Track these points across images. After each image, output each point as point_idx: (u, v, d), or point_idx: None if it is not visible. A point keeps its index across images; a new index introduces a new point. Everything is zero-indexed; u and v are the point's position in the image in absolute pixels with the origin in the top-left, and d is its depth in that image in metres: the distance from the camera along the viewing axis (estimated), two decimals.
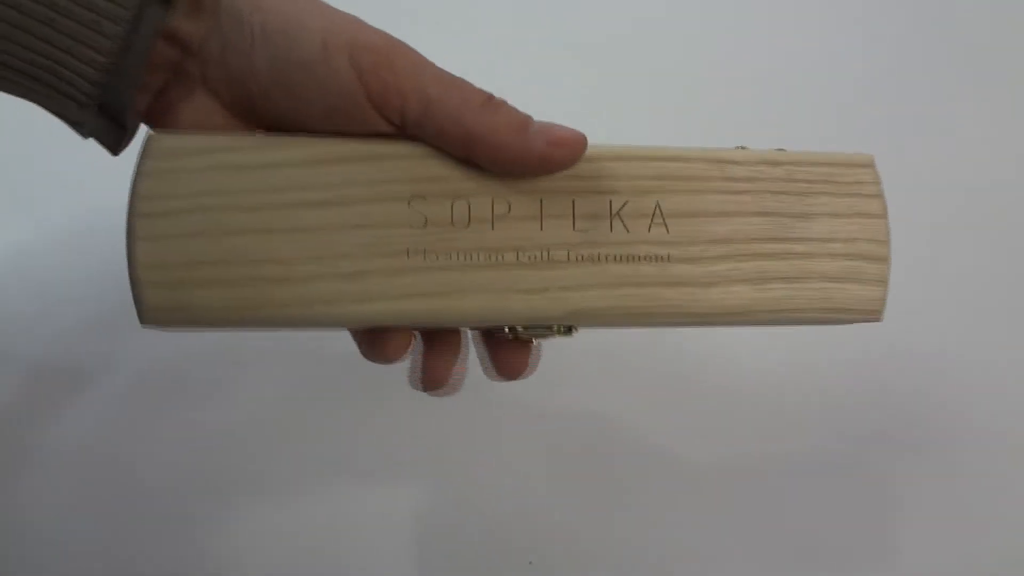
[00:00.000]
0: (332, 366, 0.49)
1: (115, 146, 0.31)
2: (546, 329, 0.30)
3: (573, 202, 0.29)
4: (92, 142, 0.30)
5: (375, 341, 0.32)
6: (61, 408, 0.49)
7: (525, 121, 0.28)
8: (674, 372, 0.51)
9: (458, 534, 0.47)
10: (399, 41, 0.29)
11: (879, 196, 0.31)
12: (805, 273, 0.30)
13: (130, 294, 0.27)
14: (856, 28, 0.61)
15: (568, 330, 0.30)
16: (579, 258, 0.29)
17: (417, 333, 0.33)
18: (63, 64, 0.27)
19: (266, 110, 0.30)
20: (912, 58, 0.60)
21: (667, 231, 0.29)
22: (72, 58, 0.27)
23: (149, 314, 0.27)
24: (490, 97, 0.29)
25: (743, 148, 0.31)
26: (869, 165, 0.31)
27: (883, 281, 0.30)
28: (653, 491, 0.48)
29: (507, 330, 0.31)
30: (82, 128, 0.29)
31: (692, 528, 0.47)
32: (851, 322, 0.30)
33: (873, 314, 0.30)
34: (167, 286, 0.27)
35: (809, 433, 0.50)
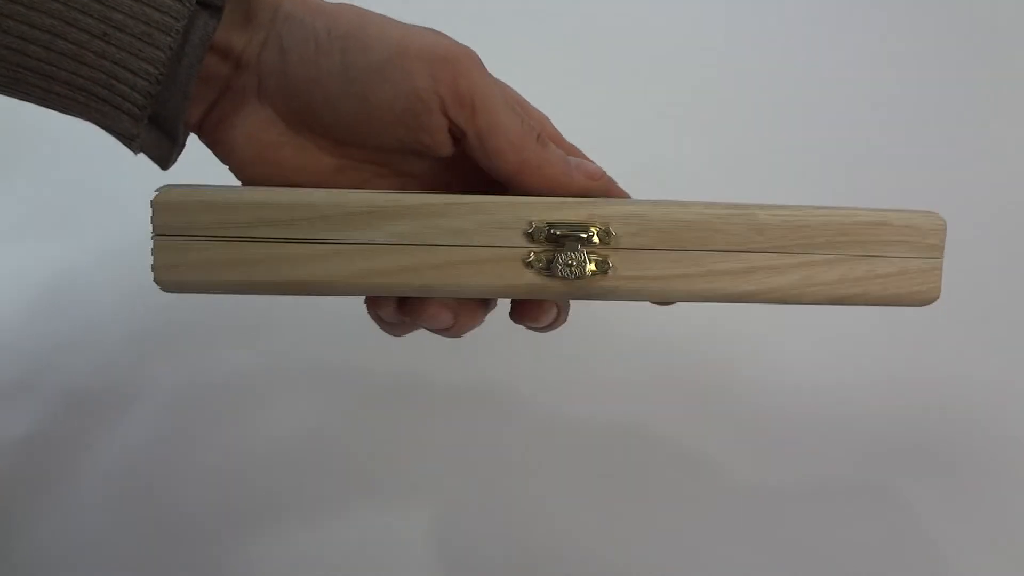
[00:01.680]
0: (358, 388, 0.50)
1: (165, 160, 0.31)
2: (579, 233, 0.29)
3: None
4: (134, 165, 0.30)
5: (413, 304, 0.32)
6: (96, 430, 0.49)
7: (564, 156, 0.31)
8: (704, 387, 0.51)
9: (480, 553, 0.47)
10: (473, 52, 0.30)
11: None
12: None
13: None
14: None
15: (606, 235, 0.30)
16: None
17: None
18: (117, 78, 0.28)
19: (329, 119, 0.30)
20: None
21: None
22: (126, 71, 0.28)
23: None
24: (540, 132, 0.31)
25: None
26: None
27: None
28: (680, 509, 0.48)
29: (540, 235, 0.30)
30: (133, 142, 0.29)
31: (720, 548, 0.47)
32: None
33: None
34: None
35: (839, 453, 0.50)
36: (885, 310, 0.32)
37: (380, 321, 0.33)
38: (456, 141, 0.31)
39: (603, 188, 0.31)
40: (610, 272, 0.30)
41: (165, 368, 0.50)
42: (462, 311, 0.32)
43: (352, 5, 0.30)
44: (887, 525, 0.48)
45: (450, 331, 0.32)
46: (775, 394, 0.51)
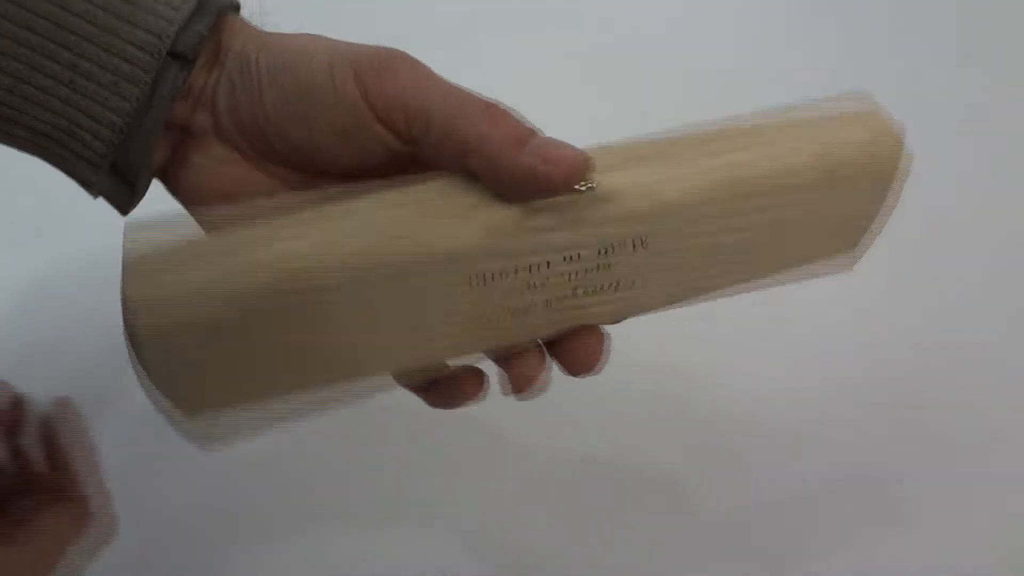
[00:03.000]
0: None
1: (124, 207, 0.30)
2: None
3: None
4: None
5: (442, 385, 0.30)
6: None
7: (524, 134, 0.25)
8: (687, 415, 0.50)
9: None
10: (403, 54, 0.28)
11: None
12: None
13: None
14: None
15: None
16: None
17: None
18: (80, 125, 0.27)
19: (285, 150, 0.29)
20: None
21: None
22: (90, 119, 0.27)
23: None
24: (491, 105, 0.26)
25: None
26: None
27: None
28: (671, 532, 0.47)
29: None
30: (92, 188, 0.29)
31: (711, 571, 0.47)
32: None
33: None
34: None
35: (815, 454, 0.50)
36: None
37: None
38: (416, 153, 0.28)
39: (566, 177, 0.25)
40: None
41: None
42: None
43: (304, 33, 0.29)
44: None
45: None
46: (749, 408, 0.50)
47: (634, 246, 0.27)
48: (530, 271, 0.27)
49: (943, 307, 0.53)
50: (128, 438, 0.49)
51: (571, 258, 0.27)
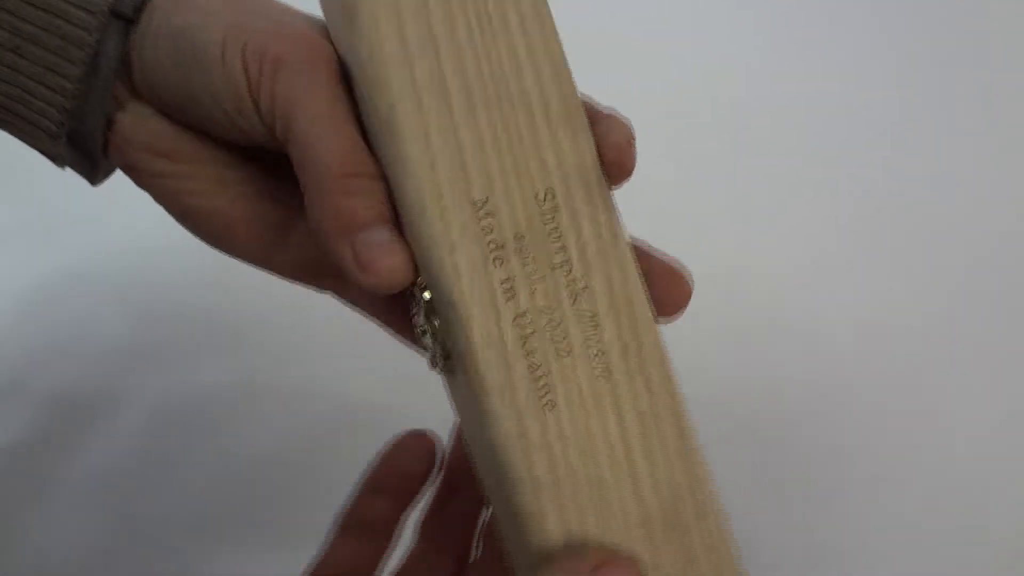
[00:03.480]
0: (340, 415, 0.49)
1: (92, 177, 0.30)
2: None
3: None
4: (120, 176, 0.29)
5: None
6: (78, 442, 0.49)
7: (358, 221, 0.23)
8: None
9: None
10: (311, 39, 0.25)
11: None
12: None
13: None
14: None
15: None
16: None
17: None
18: (32, 93, 0.27)
19: (177, 116, 0.27)
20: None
21: None
22: (41, 86, 0.26)
23: None
24: (344, 163, 0.24)
25: None
26: None
27: None
28: None
29: None
30: (57, 160, 0.28)
31: None
32: None
33: None
34: None
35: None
36: None
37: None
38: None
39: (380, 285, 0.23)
40: None
41: (149, 380, 0.50)
42: None
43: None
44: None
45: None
46: None
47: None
48: None
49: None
50: (135, 439, 0.49)
51: None
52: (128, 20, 0.27)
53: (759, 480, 0.46)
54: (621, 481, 0.23)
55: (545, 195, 0.24)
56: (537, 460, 0.22)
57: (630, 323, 0.24)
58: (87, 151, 0.28)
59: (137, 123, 0.28)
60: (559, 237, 0.24)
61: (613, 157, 0.24)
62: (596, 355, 0.23)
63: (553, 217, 0.24)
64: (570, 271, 0.23)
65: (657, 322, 0.24)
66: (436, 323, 0.23)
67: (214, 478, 0.48)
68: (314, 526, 0.48)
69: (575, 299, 0.23)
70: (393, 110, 0.23)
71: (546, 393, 0.23)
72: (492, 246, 0.23)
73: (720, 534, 0.24)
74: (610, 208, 0.24)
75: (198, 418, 0.49)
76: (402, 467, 0.29)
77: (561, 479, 0.22)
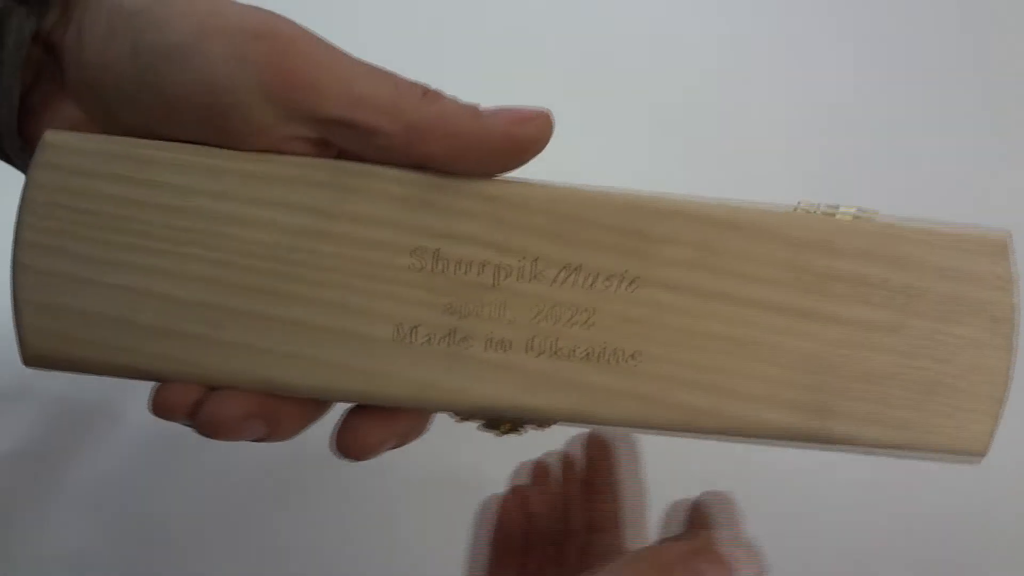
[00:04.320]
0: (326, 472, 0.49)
1: (25, 171, 0.26)
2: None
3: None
4: None
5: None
6: (82, 447, 0.49)
7: (474, 107, 0.23)
8: None
9: None
10: (304, 28, 0.23)
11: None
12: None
13: None
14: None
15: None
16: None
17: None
18: None
19: (127, 117, 0.24)
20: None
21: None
22: None
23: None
24: (427, 88, 0.23)
25: (815, 207, 0.24)
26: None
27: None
28: None
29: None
30: None
31: None
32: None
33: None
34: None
35: None
36: None
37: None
38: (318, 143, 0.24)
39: (541, 132, 0.23)
40: None
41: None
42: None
43: None
44: None
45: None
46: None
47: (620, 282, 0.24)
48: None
49: None
50: (138, 443, 0.49)
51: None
52: (34, 3, 0.23)
53: None
54: None
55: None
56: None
57: None
58: (4, 152, 0.25)
59: (61, 122, 0.25)
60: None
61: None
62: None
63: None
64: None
65: None
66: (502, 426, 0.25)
67: (217, 482, 0.48)
68: (315, 527, 0.48)
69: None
70: None
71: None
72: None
73: None
74: None
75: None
76: None
77: None
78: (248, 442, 0.24)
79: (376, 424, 0.24)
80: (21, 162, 0.26)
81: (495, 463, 0.46)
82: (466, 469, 0.47)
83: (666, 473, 0.43)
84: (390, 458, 0.46)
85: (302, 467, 0.48)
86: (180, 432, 0.48)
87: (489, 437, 0.44)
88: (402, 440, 0.25)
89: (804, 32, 0.60)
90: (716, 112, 0.57)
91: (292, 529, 0.47)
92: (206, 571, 0.46)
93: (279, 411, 0.24)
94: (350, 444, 0.24)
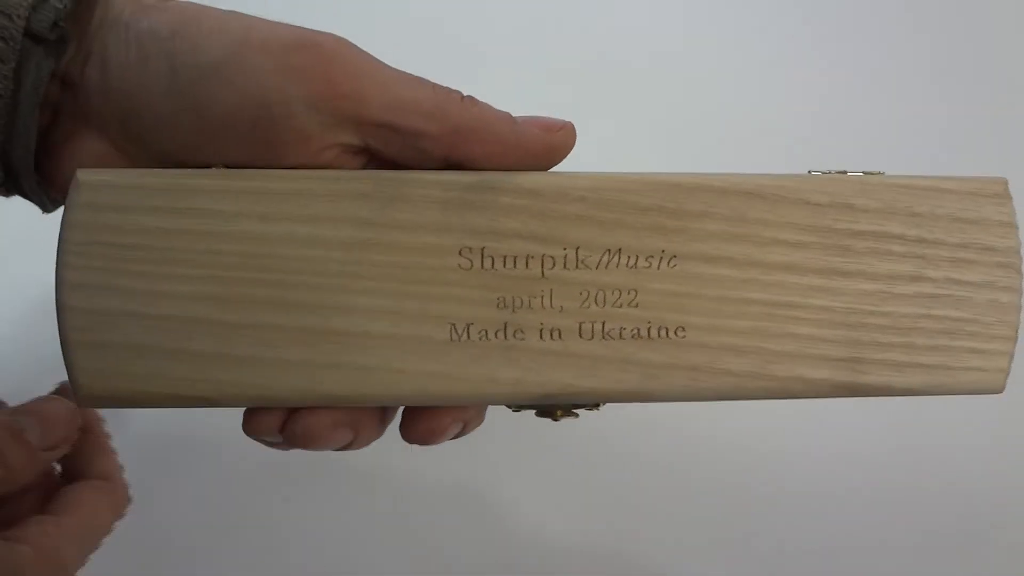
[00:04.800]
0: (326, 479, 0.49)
1: (44, 206, 0.27)
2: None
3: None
4: None
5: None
6: None
7: (509, 113, 0.25)
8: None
9: None
10: (342, 38, 0.23)
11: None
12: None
13: None
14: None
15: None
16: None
17: None
18: None
19: (167, 142, 0.24)
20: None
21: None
22: None
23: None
24: (462, 93, 0.24)
25: (827, 173, 0.26)
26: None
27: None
28: None
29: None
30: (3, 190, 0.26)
31: None
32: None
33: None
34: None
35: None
36: None
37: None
38: (357, 150, 0.24)
39: (569, 139, 0.25)
40: None
41: None
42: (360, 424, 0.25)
43: (194, 3, 0.24)
44: None
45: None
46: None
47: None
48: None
49: None
50: (140, 446, 0.48)
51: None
52: (49, 41, 0.23)
53: None
54: None
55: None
56: None
57: None
58: (21, 189, 0.26)
59: (86, 161, 0.25)
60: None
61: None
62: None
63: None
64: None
65: None
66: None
67: (219, 485, 0.47)
68: (315, 528, 0.48)
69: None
70: None
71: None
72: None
73: None
74: None
75: (203, 425, 0.49)
76: None
77: None
78: (333, 451, 0.25)
79: (438, 411, 0.25)
80: (38, 198, 0.26)
81: (496, 467, 0.47)
82: (470, 475, 0.48)
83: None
84: (390, 463, 0.47)
85: (304, 472, 0.48)
86: (184, 438, 0.48)
87: (489, 439, 0.45)
88: (465, 427, 0.25)
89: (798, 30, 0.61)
90: (714, 108, 0.58)
91: (295, 533, 0.47)
92: (206, 572, 0.46)
93: (361, 418, 0.24)
94: (419, 431, 0.25)
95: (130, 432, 0.48)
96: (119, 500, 0.30)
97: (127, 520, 0.43)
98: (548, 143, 0.24)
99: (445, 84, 0.25)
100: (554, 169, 0.25)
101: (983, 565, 0.47)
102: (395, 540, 0.46)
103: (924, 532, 0.47)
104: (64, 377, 0.24)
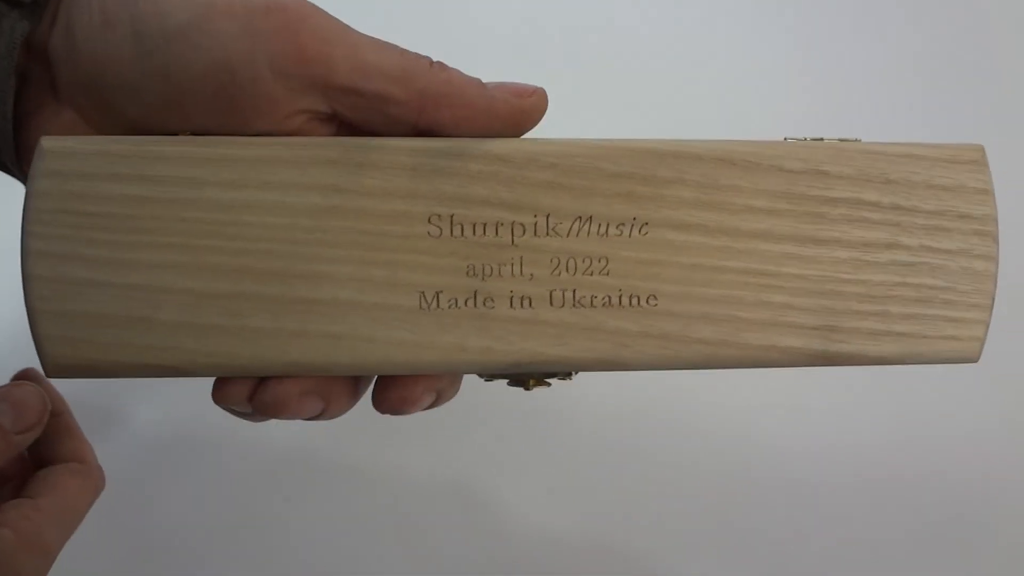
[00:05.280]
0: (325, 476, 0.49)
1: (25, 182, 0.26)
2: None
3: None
4: None
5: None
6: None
7: (479, 79, 0.24)
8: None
9: None
10: (309, 2, 0.23)
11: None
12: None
13: None
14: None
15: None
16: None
17: None
18: None
19: (132, 109, 0.23)
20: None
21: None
22: None
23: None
24: (431, 59, 0.24)
25: (802, 140, 0.25)
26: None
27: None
28: None
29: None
30: None
31: None
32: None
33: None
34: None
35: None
36: None
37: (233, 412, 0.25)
38: (326, 118, 0.24)
39: (541, 105, 0.24)
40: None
41: (156, 385, 0.49)
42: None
43: None
44: None
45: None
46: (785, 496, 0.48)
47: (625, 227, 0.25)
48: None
49: None
50: (141, 447, 0.48)
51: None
52: (22, 4, 0.23)
53: None
54: None
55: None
56: None
57: None
58: (2, 162, 0.25)
59: (51, 127, 0.25)
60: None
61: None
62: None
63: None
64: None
65: None
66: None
67: (219, 485, 0.47)
68: (315, 530, 0.48)
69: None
70: None
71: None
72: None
73: None
74: None
75: (203, 425, 0.49)
76: None
77: None
78: (304, 421, 0.24)
79: (410, 380, 0.25)
80: (18, 171, 0.26)
81: (495, 468, 0.47)
82: (470, 476, 0.48)
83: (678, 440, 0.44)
84: (390, 462, 0.47)
85: (307, 471, 0.48)
86: (184, 438, 0.48)
87: (489, 438, 0.45)
88: (439, 397, 0.25)
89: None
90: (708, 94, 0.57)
91: (298, 532, 0.47)
92: (209, 574, 0.46)
93: (332, 387, 0.24)
94: (391, 400, 0.24)
95: (130, 432, 0.48)
96: (95, 482, 0.30)
97: (127, 520, 0.44)
98: (519, 108, 0.24)
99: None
100: (525, 136, 0.25)
101: (979, 559, 0.47)
102: (395, 540, 0.46)
103: (923, 523, 0.47)
104: (32, 351, 0.24)
